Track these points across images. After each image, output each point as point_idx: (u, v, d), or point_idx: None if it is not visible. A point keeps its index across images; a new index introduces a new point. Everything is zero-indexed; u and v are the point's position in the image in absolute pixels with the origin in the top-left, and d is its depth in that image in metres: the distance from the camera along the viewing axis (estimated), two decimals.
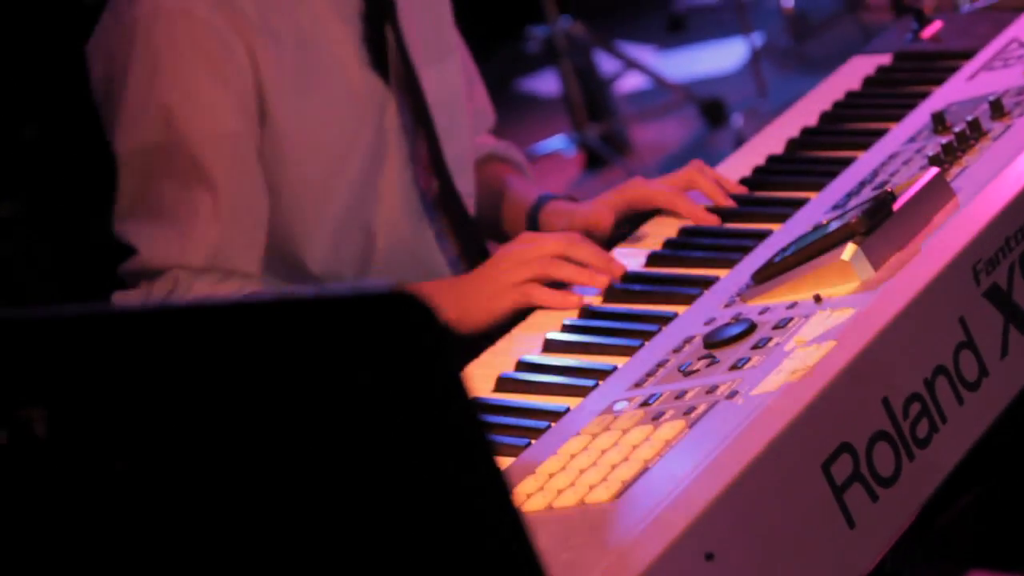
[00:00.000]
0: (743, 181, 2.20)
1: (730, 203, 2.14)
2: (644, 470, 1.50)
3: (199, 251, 2.07)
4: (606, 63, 5.41)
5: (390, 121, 2.22)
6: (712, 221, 2.11)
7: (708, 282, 1.93)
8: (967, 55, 2.34)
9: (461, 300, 2.01)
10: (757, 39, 5.20)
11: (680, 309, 1.89)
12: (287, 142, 2.13)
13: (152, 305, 0.92)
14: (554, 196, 2.30)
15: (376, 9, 2.21)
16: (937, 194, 1.80)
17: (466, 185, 2.33)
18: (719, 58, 5.73)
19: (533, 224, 2.28)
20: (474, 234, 2.33)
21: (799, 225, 1.99)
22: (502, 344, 1.96)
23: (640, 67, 5.32)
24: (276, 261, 2.17)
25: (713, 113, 5.09)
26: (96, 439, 0.95)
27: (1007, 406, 1.69)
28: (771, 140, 2.31)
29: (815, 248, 1.77)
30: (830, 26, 5.60)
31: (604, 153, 4.93)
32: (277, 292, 0.89)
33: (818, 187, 2.09)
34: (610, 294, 1.99)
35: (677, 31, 6.14)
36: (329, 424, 0.90)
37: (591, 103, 5.06)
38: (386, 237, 2.22)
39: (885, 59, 2.46)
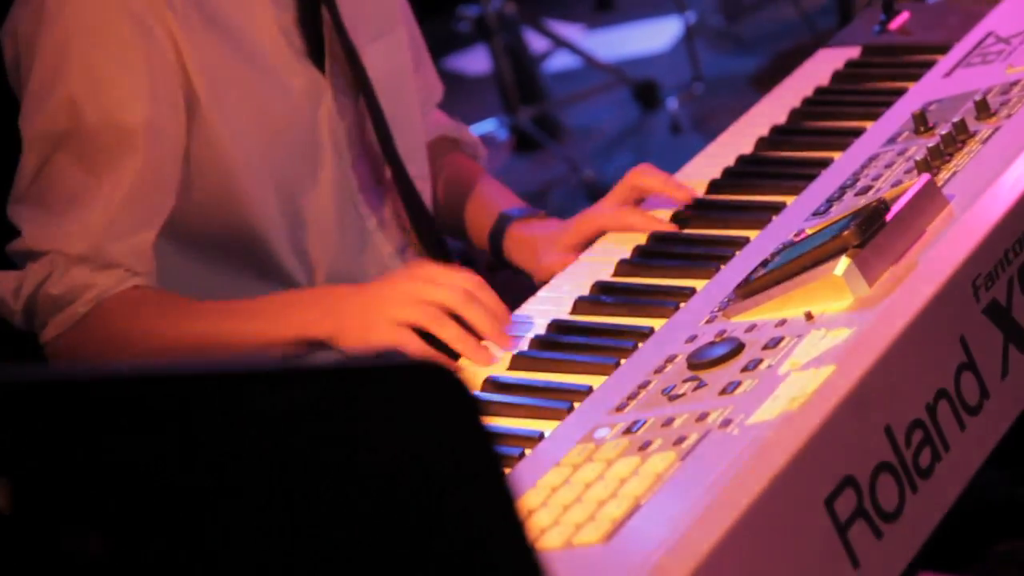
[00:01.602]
0: (713, 183, 2.10)
1: (687, 195, 2.04)
2: (635, 508, 1.39)
3: (81, 239, 1.98)
4: (536, 42, 5.30)
5: (325, 110, 2.11)
6: (670, 227, 2.01)
7: (684, 293, 1.83)
8: (940, 49, 2.26)
9: (343, 317, 1.88)
10: (689, 19, 5.11)
11: (656, 323, 1.78)
12: (219, 130, 2.02)
13: (164, 367, 0.80)
14: (519, 214, 2.19)
15: None
16: (930, 202, 1.71)
17: (419, 168, 2.23)
18: (649, 38, 5.64)
19: (497, 246, 2.17)
20: (429, 220, 2.23)
21: (778, 232, 1.89)
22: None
23: (572, 47, 5.22)
24: (240, 247, 2.08)
25: (647, 95, 4.99)
26: (69, 513, 0.84)
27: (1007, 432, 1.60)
28: (739, 138, 2.21)
29: (804, 261, 1.67)
30: (762, 5, 5.52)
31: (537, 136, 4.82)
32: (296, 359, 0.78)
33: (794, 190, 1.99)
34: (579, 306, 1.88)
35: (605, 10, 6.05)
36: (347, 499, 0.80)
37: (523, 85, 4.95)
38: (319, 229, 2.12)
39: (853, 52, 2.37)
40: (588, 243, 2.05)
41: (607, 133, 4.96)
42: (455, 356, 1.83)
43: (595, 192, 4.33)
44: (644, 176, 2.07)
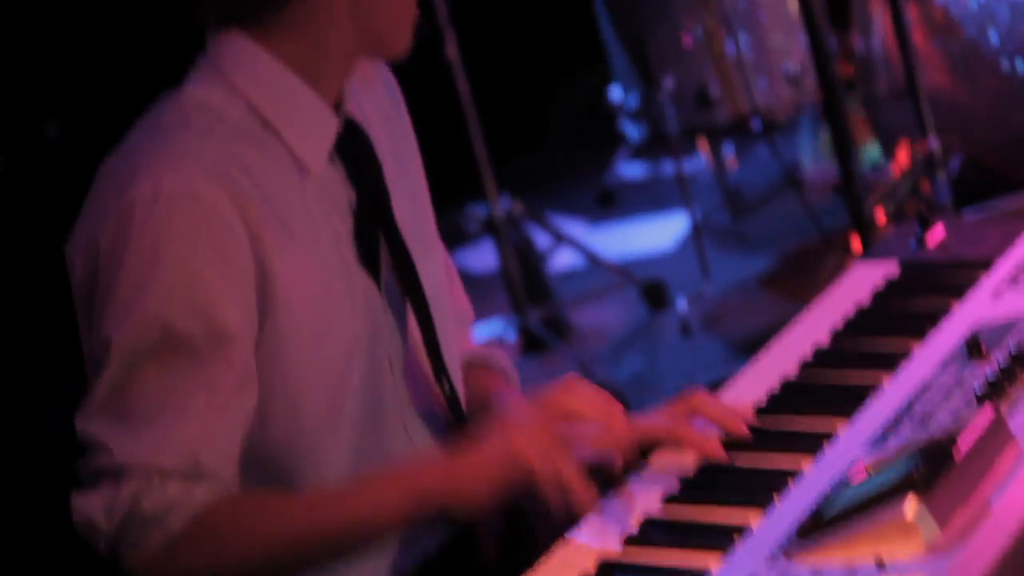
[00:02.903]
0: (759, 410, 2.03)
1: (744, 430, 1.97)
2: None
3: (177, 452, 1.89)
4: (541, 236, 5.28)
5: (382, 323, 2.06)
6: (721, 455, 1.94)
7: (739, 530, 1.75)
8: (982, 266, 2.21)
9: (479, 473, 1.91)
10: (694, 215, 5.09)
11: (711, 563, 1.70)
12: (286, 332, 1.97)
13: None
14: None
15: (370, 200, 2.07)
16: (997, 439, 1.65)
17: (457, 387, 2.18)
18: (653, 234, 5.62)
19: None
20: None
21: (832, 462, 1.82)
22: None
23: (579, 247, 5.19)
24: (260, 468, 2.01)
25: (655, 296, 4.95)
26: None
27: None
28: (781, 360, 2.15)
29: (869, 501, 1.60)
30: (768, 202, 5.51)
31: (545, 338, 4.77)
32: None
33: (844, 416, 1.93)
34: (628, 546, 1.80)
35: (607, 205, 6.04)
36: None
37: (530, 284, 4.91)
38: (357, 432, 2.06)
39: (891, 267, 2.32)
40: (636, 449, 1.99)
41: (616, 334, 4.91)
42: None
43: None
44: (703, 404, 2.01)
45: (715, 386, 4.29)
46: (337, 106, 2.07)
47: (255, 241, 1.94)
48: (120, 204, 1.92)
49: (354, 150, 2.07)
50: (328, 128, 2.04)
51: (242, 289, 1.93)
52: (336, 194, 2.05)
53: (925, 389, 1.90)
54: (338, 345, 2.01)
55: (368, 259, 2.06)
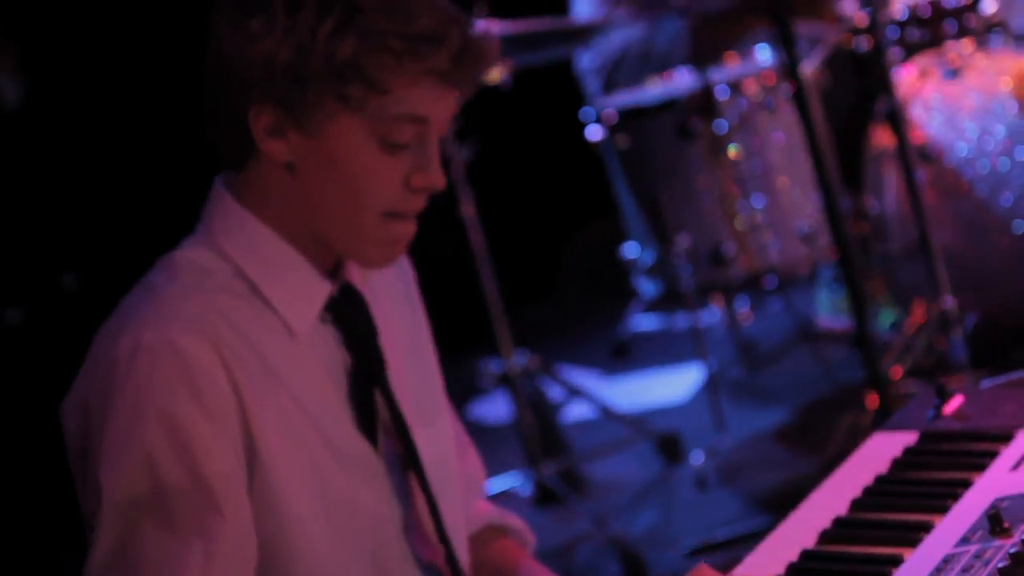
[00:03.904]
0: None
1: None
2: None
3: None
4: (556, 389, 5.29)
5: (380, 488, 2.07)
6: None
7: None
8: (1002, 438, 2.22)
9: None
10: (710, 366, 5.10)
11: None
12: (276, 485, 1.98)
13: None
14: None
15: (364, 364, 2.09)
16: None
17: (462, 553, 2.18)
18: (668, 387, 5.63)
19: None
20: None
21: None
22: None
23: (593, 399, 5.20)
24: None
25: (670, 449, 4.95)
26: None
27: None
28: (800, 530, 2.15)
29: None
30: (782, 356, 5.53)
31: (560, 491, 4.76)
32: None
33: None
34: None
35: (622, 356, 6.05)
36: None
37: (544, 437, 4.91)
38: None
39: (909, 437, 2.33)
40: None
41: (631, 487, 4.90)
42: None
43: (622, 550, 4.26)
44: None
45: (732, 543, 4.29)
46: (335, 269, 2.10)
47: (238, 390, 1.96)
48: (105, 361, 1.96)
49: (349, 314, 2.09)
50: (318, 293, 2.06)
51: (228, 435, 1.95)
52: (330, 356, 2.07)
53: (946, 564, 1.91)
54: (335, 504, 2.02)
55: (365, 422, 2.08)
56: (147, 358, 1.94)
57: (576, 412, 5.52)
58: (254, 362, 1.99)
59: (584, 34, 5.03)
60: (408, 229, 2.06)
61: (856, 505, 2.18)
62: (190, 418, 1.93)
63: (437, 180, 2.04)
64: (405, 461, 2.11)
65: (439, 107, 2.01)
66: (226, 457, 1.94)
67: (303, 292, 2.06)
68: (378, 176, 2.01)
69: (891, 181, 4.73)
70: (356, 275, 2.13)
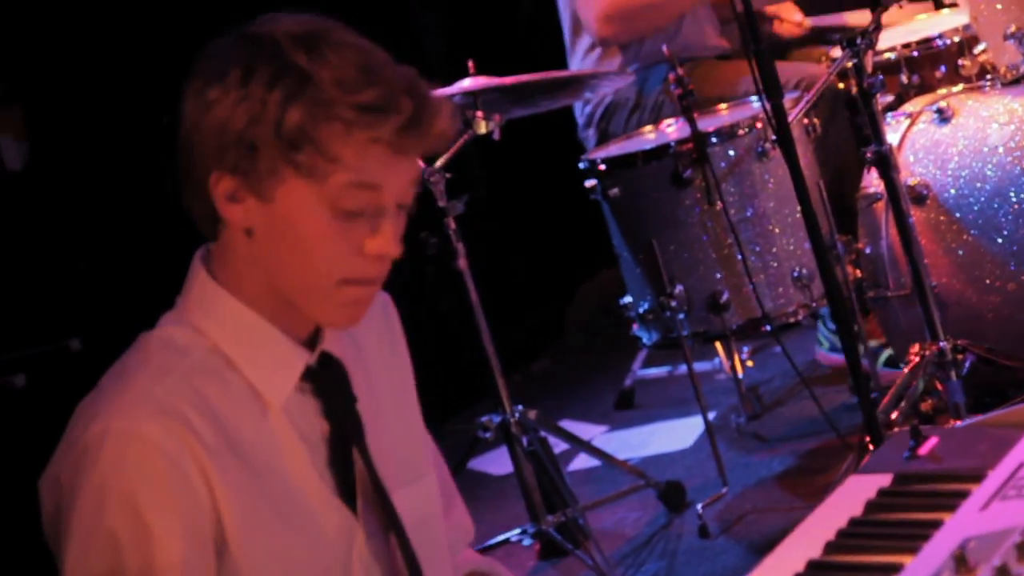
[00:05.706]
0: None
1: None
2: None
3: None
4: (558, 442, 5.29)
5: (358, 552, 2.09)
6: None
7: None
8: (974, 478, 2.23)
9: None
10: (711, 416, 5.11)
11: None
12: (247, 574, 2.00)
13: None
14: None
15: (342, 432, 2.10)
16: None
17: None
18: (671, 437, 5.64)
19: None
20: None
21: None
22: None
23: (595, 451, 5.20)
24: None
25: (672, 498, 4.95)
26: None
27: None
28: (774, 574, 2.16)
29: None
30: (783, 403, 5.54)
31: (563, 543, 4.76)
32: None
33: None
34: None
35: (625, 408, 6.06)
36: None
37: (546, 489, 4.91)
38: None
39: (884, 479, 2.34)
40: None
41: (634, 537, 4.90)
42: None
43: None
44: None
45: None
46: (315, 334, 2.12)
47: (208, 477, 1.99)
48: (78, 445, 2.00)
49: (327, 383, 2.11)
50: (294, 364, 2.08)
51: (188, 524, 1.97)
52: (309, 425, 2.09)
53: None
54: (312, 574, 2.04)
55: (344, 489, 2.09)
56: (114, 445, 1.98)
57: (579, 461, 5.54)
58: (225, 448, 2.01)
59: (574, 85, 5.05)
60: (368, 292, 2.07)
61: (829, 548, 2.19)
62: (150, 505, 1.97)
63: (391, 248, 2.04)
64: (386, 525, 2.13)
65: (392, 174, 2.02)
66: (181, 547, 1.97)
67: (279, 364, 2.08)
68: (329, 242, 2.02)
69: (885, 224, 4.74)
70: (333, 342, 2.15)
